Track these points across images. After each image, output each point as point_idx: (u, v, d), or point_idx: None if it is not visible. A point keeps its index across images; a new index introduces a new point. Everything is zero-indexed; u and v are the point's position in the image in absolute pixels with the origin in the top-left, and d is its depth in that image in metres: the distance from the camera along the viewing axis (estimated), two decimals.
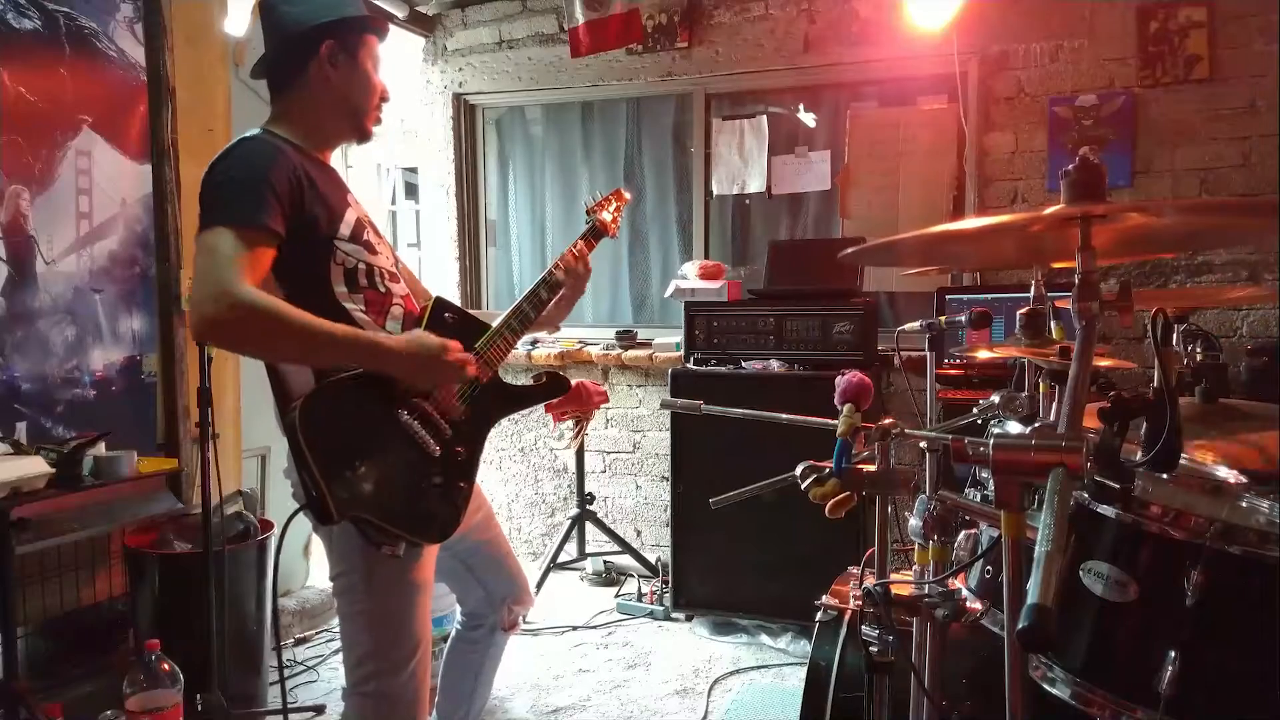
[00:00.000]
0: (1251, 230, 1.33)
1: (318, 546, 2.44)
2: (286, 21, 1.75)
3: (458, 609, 2.15)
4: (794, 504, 1.90)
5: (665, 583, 3.68)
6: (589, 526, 4.16)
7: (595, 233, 2.20)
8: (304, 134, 1.76)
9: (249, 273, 1.51)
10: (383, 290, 1.75)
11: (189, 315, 1.59)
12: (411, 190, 5.10)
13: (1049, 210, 1.09)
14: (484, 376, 1.85)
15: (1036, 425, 1.40)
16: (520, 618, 2.13)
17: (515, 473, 4.51)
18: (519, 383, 2.03)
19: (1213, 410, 1.60)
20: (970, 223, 1.18)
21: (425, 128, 4.60)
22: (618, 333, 4.26)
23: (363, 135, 1.84)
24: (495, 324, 1.93)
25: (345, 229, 1.71)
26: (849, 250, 1.35)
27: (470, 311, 1.96)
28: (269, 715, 2.85)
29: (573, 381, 3.88)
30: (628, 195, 2.32)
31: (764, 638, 3.41)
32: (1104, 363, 1.75)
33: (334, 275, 1.68)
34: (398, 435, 1.68)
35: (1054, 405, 1.62)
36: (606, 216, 2.22)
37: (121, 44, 2.84)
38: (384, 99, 1.83)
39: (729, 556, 3.46)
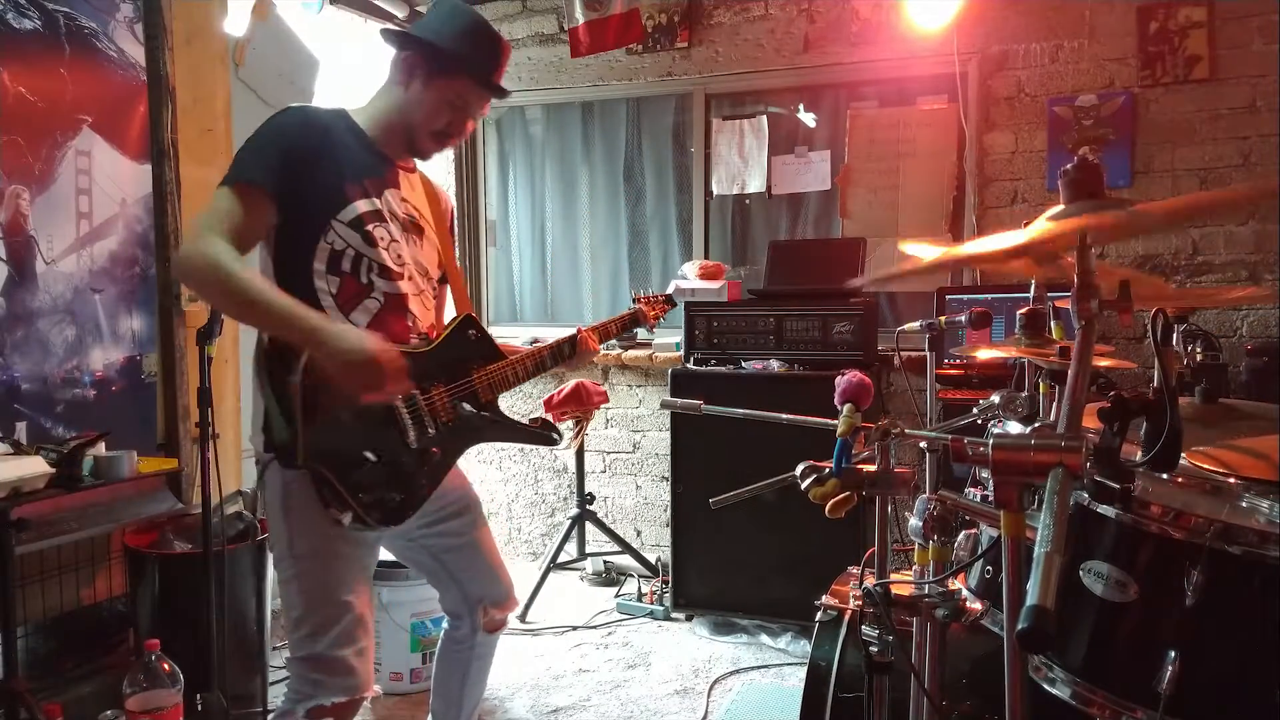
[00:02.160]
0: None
1: None
2: (421, 20, 1.88)
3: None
4: (794, 504, 1.90)
5: (665, 583, 3.68)
6: (589, 526, 4.16)
7: (634, 320, 2.36)
8: (368, 121, 1.84)
9: (230, 227, 1.62)
10: (364, 282, 1.77)
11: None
12: None
13: (1053, 228, 1.08)
14: (485, 396, 1.93)
15: (1036, 425, 1.40)
16: (503, 621, 2.12)
17: (515, 473, 4.51)
18: (515, 417, 2.09)
19: (1213, 410, 1.60)
20: (979, 245, 1.17)
21: None
22: None
23: (413, 152, 1.91)
24: (515, 356, 2.02)
25: (349, 214, 1.75)
26: (859, 283, 1.35)
27: (496, 339, 2.05)
28: (269, 715, 2.85)
29: (573, 381, 3.89)
30: (673, 304, 2.55)
31: (764, 638, 3.41)
32: (1104, 363, 1.75)
33: (318, 252, 1.73)
34: (385, 414, 1.74)
35: (1054, 405, 1.62)
36: (649, 310, 2.41)
37: (121, 44, 2.84)
38: (439, 134, 1.86)
39: (729, 556, 3.46)
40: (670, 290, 3.89)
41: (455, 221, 2.19)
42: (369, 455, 1.71)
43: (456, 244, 2.22)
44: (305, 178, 1.70)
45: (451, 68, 1.80)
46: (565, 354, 2.11)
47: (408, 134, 1.85)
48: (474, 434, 1.94)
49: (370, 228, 1.77)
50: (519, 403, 4.41)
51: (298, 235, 1.73)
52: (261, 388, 1.68)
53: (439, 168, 4.58)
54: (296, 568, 1.74)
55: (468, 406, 1.89)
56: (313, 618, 1.73)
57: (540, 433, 2.06)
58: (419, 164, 1.97)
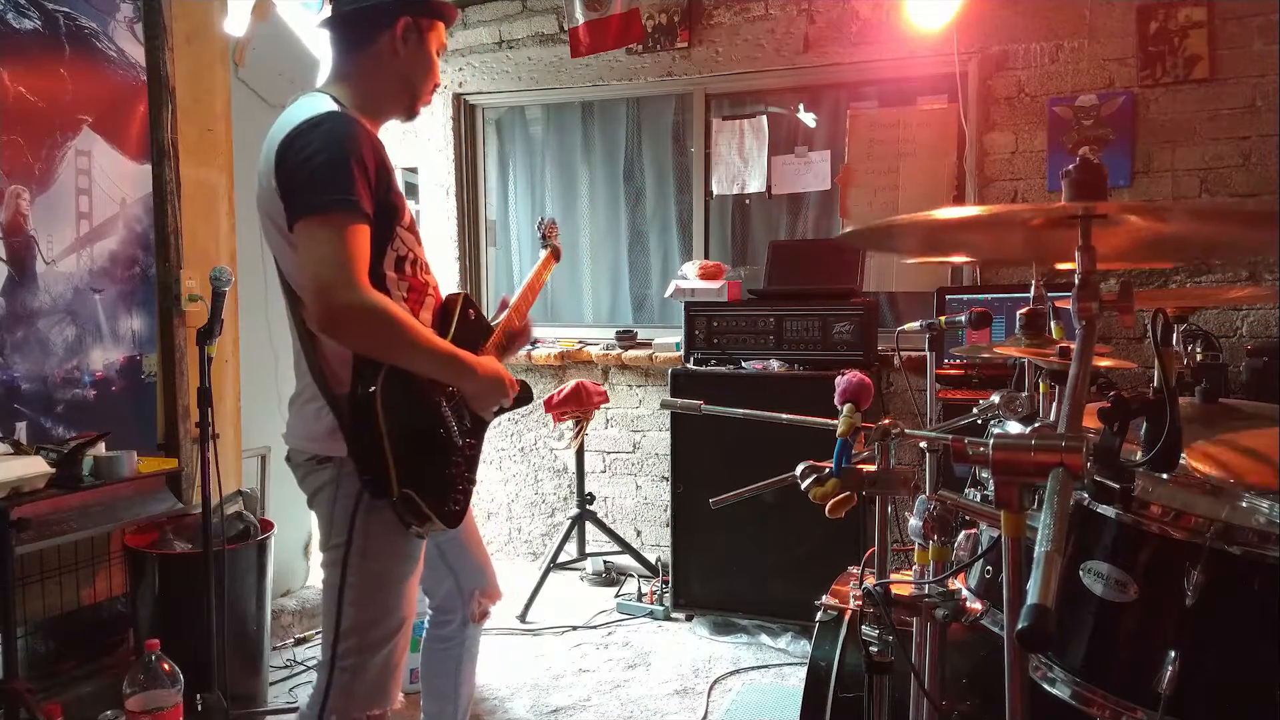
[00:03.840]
0: (1255, 242, 1.32)
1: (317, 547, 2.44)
2: None
3: (427, 612, 2.14)
4: (794, 504, 1.90)
5: (665, 583, 3.68)
6: (589, 526, 4.16)
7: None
8: (360, 102, 1.76)
9: (361, 265, 1.56)
10: (421, 280, 1.81)
11: (311, 307, 1.57)
12: (411, 190, 5.08)
13: (1054, 205, 1.09)
14: None
15: (1036, 425, 1.40)
16: (488, 611, 2.13)
17: (515, 473, 4.51)
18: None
19: (1213, 410, 1.60)
20: (972, 210, 1.17)
21: (425, 128, 4.60)
22: (618, 333, 4.26)
23: (411, 114, 1.88)
24: (498, 327, 2.02)
25: (407, 217, 1.77)
26: (848, 230, 1.35)
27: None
28: (269, 715, 2.85)
29: (573, 381, 3.89)
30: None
31: (764, 638, 3.41)
32: (1104, 363, 1.75)
33: (387, 260, 1.71)
34: (440, 422, 1.77)
35: (1054, 405, 1.62)
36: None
37: (121, 44, 2.84)
38: (436, 85, 1.88)
39: (729, 556, 3.46)
40: (670, 291, 3.90)
41: None
42: (437, 467, 1.74)
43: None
44: (380, 192, 1.67)
45: (433, 13, 1.81)
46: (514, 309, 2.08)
47: (408, 97, 1.83)
48: (487, 419, 1.95)
49: (416, 227, 1.81)
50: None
51: (374, 246, 1.68)
52: (344, 404, 1.66)
53: (439, 168, 4.58)
54: (360, 577, 1.70)
55: None
56: (367, 631, 1.71)
57: (520, 396, 2.03)
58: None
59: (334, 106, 1.68)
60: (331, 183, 1.56)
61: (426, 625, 2.15)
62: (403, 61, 1.79)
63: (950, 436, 1.20)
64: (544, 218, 2.41)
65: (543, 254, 2.35)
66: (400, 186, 1.77)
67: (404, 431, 1.65)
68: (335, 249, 1.54)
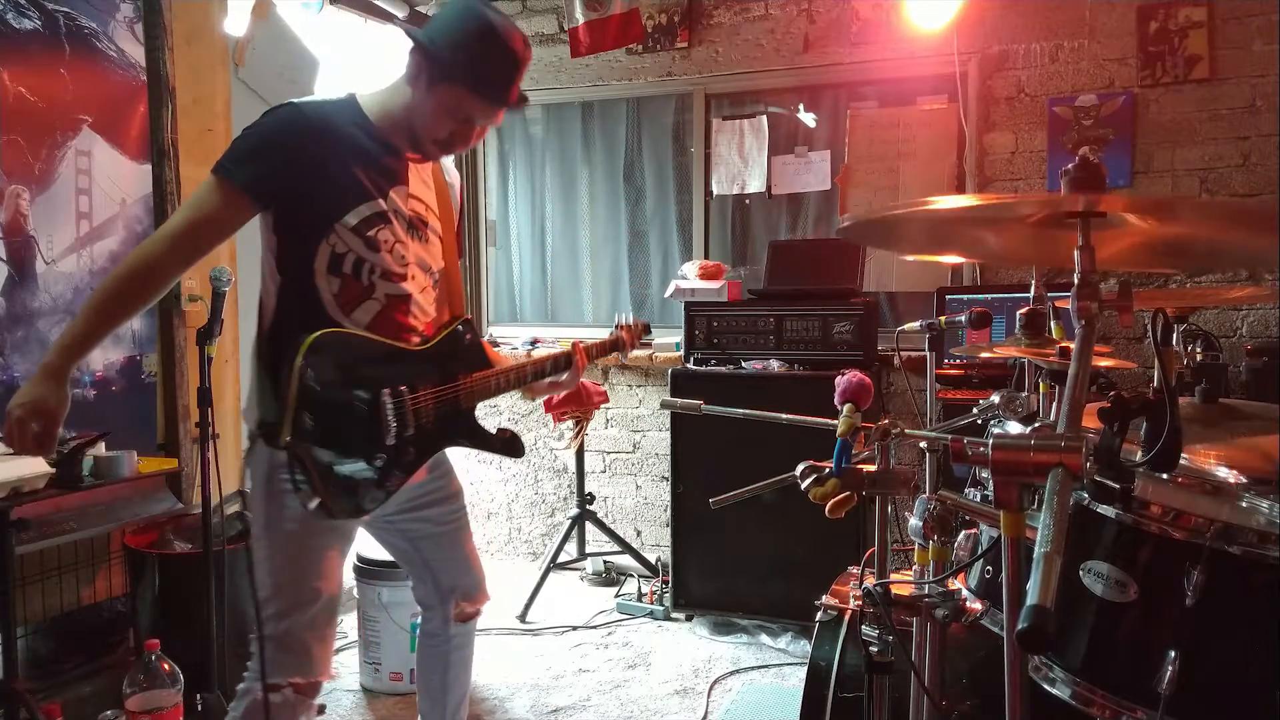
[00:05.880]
0: (1256, 247, 1.32)
1: None
2: (433, 17, 1.83)
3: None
4: (794, 504, 1.90)
5: (665, 583, 3.68)
6: (589, 526, 4.16)
7: (614, 346, 2.35)
8: (381, 116, 1.79)
9: (194, 218, 1.69)
10: (366, 284, 1.76)
11: None
12: None
13: (1053, 195, 1.09)
14: (466, 403, 1.92)
15: (1036, 425, 1.40)
16: (474, 613, 2.11)
17: (515, 473, 4.51)
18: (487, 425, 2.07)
19: (1213, 410, 1.60)
20: (969, 200, 1.18)
21: None
22: None
23: (419, 153, 1.85)
24: (502, 366, 2.01)
25: (353, 218, 1.73)
26: (846, 222, 1.35)
27: (489, 346, 2.06)
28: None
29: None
30: (649, 332, 2.51)
31: (764, 638, 3.41)
32: (1104, 363, 1.75)
33: (320, 253, 1.71)
34: (369, 407, 1.74)
35: (1054, 405, 1.62)
36: (628, 338, 2.40)
37: (121, 44, 2.84)
38: (442, 142, 1.79)
39: (729, 556, 3.46)
40: (670, 291, 3.90)
41: (464, 214, 2.16)
42: (346, 447, 1.71)
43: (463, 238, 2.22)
44: (303, 182, 1.68)
45: (451, 76, 1.70)
46: (550, 370, 2.07)
47: (412, 135, 1.79)
48: (447, 438, 1.93)
49: (374, 232, 1.75)
50: (519, 403, 4.41)
51: (299, 236, 1.72)
52: (260, 364, 1.72)
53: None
54: (271, 548, 1.74)
55: (448, 410, 1.88)
56: (281, 599, 1.74)
57: (507, 443, 2.03)
58: None
59: (325, 98, 1.79)
60: (232, 154, 1.71)
61: (419, 621, 2.15)
62: (411, 99, 1.76)
63: (950, 436, 1.20)
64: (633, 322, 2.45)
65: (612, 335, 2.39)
66: (360, 188, 1.73)
67: (319, 393, 1.65)
68: (197, 200, 1.70)
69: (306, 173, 1.69)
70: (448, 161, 2.01)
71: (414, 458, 1.83)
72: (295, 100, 1.76)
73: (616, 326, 2.39)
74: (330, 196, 1.72)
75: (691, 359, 3.62)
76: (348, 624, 3.31)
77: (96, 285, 1.79)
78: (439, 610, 2.07)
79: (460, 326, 1.94)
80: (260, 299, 1.79)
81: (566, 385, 2.15)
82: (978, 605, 1.43)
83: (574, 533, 4.12)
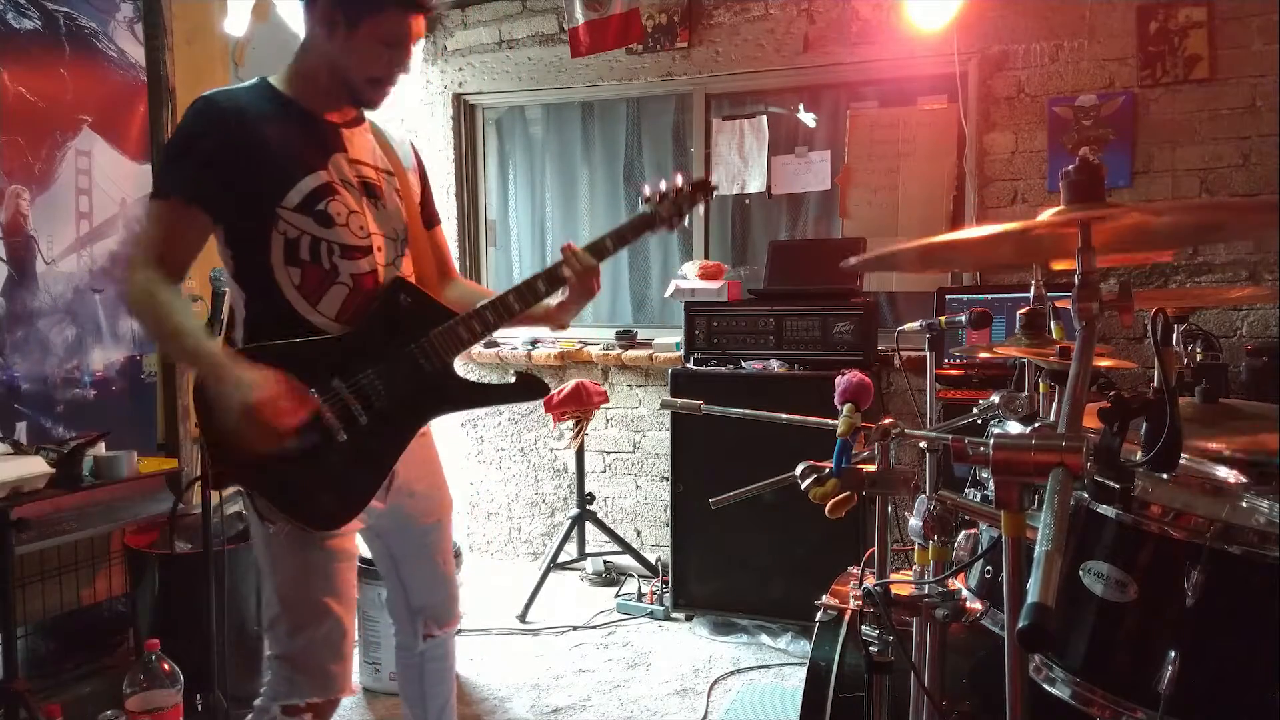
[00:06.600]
0: (1251, 226, 1.33)
1: None
2: None
3: None
4: (794, 504, 1.90)
5: (665, 583, 3.67)
6: (589, 526, 4.16)
7: (645, 223, 1.89)
8: (299, 88, 1.70)
9: (158, 254, 1.62)
10: (328, 267, 1.67)
11: None
12: None
13: (1045, 215, 1.09)
14: (432, 365, 1.74)
15: (1036, 425, 1.40)
16: (442, 634, 2.01)
17: (515, 473, 4.51)
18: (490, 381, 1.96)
19: (1213, 410, 1.60)
20: (970, 233, 1.18)
21: (425, 128, 4.60)
22: (618, 333, 4.26)
23: (361, 104, 1.75)
24: (467, 312, 1.79)
25: (296, 196, 1.64)
26: (852, 261, 1.36)
27: (432, 296, 1.82)
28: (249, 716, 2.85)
29: (573, 381, 3.89)
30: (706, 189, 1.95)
31: (764, 638, 3.41)
32: (1104, 363, 1.75)
33: (274, 245, 1.64)
34: (309, 419, 1.62)
35: (1054, 405, 1.62)
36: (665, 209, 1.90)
37: (121, 44, 2.84)
38: (377, 79, 1.69)
39: (729, 556, 3.46)
40: (670, 290, 3.89)
41: (423, 164, 1.98)
42: (288, 463, 1.60)
43: (432, 194, 1.97)
44: (232, 174, 1.60)
45: (370, 3, 1.62)
46: (540, 290, 1.81)
47: (347, 87, 1.69)
48: (427, 408, 1.78)
49: (323, 205, 1.65)
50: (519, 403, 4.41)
51: (246, 232, 1.65)
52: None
53: (439, 168, 4.58)
54: (273, 567, 1.71)
55: (408, 380, 1.72)
56: (288, 617, 1.70)
57: (520, 386, 1.82)
58: (368, 113, 1.81)
59: (238, 86, 1.71)
60: (160, 168, 1.70)
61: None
62: (330, 50, 1.66)
63: (950, 436, 1.20)
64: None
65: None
66: (295, 165, 1.65)
67: (240, 430, 1.54)
68: (143, 229, 1.67)
69: (237, 158, 1.61)
70: (387, 126, 1.89)
71: (384, 446, 1.72)
72: (206, 92, 1.66)
73: (643, 200, 1.93)
74: (266, 178, 1.63)
75: (691, 359, 3.62)
76: None
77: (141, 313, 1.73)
78: (408, 625, 2.00)
79: (391, 290, 1.74)
80: (230, 315, 1.75)
81: (574, 296, 1.88)
82: (978, 605, 1.43)
83: (574, 533, 4.12)
